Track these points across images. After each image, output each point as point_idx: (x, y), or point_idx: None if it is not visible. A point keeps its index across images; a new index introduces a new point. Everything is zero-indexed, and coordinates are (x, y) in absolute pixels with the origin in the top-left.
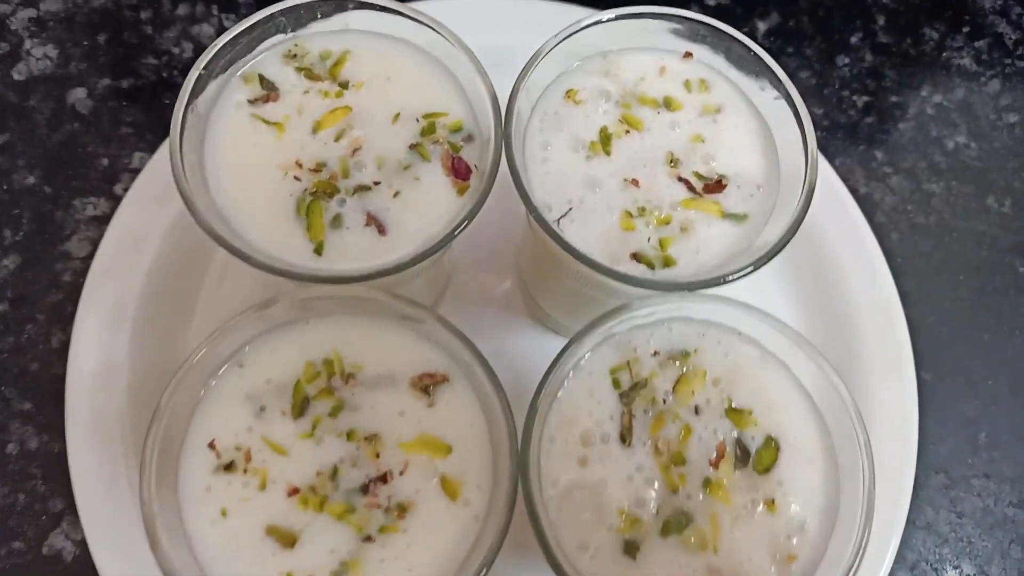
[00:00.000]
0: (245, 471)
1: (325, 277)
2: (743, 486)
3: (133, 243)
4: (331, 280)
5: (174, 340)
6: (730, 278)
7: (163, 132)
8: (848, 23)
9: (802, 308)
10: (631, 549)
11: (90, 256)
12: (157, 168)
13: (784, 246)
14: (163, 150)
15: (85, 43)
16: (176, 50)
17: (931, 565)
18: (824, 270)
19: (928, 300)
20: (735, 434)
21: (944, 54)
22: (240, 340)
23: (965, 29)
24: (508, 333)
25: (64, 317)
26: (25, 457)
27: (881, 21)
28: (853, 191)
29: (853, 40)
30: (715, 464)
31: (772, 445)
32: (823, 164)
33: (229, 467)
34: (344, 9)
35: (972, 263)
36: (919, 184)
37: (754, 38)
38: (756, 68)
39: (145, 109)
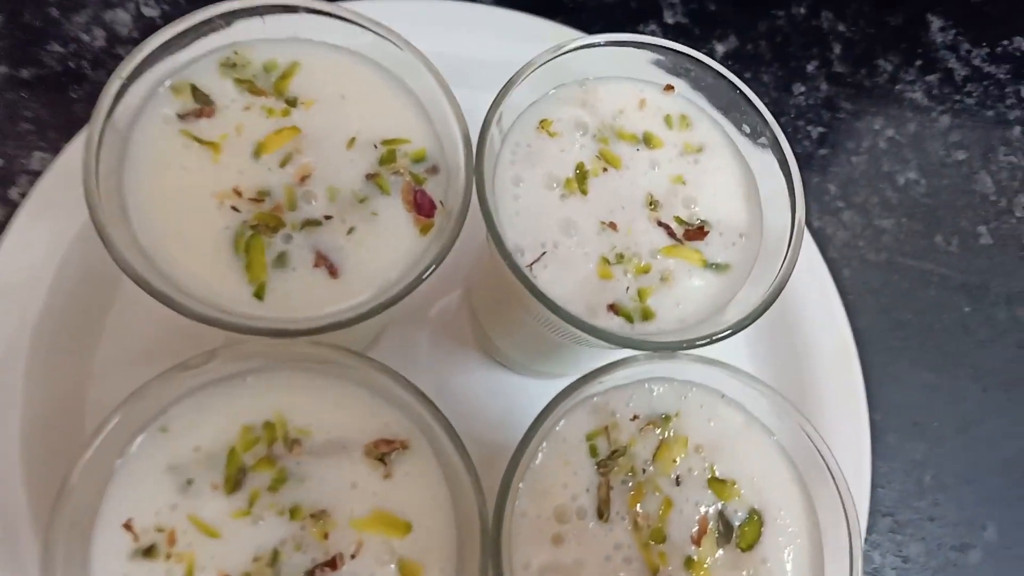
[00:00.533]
0: (168, 556)
1: (267, 329)
2: (726, 564)
3: (29, 259)
4: (274, 333)
5: (78, 380)
6: (716, 337)
7: (68, 130)
8: (805, 50)
9: (761, 348)
10: None
11: None
12: (61, 171)
13: (768, 307)
14: (68, 151)
15: None
16: (86, 37)
17: None
18: (784, 311)
19: (877, 339)
20: (718, 506)
21: (897, 87)
22: (164, 400)
23: (918, 63)
24: (456, 369)
25: None
26: None
27: (837, 50)
28: (808, 225)
29: (809, 68)
30: (697, 541)
31: (756, 519)
32: None
33: (149, 552)
34: (293, 11)
35: (920, 302)
36: (870, 220)
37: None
38: (741, 108)
39: (48, 103)
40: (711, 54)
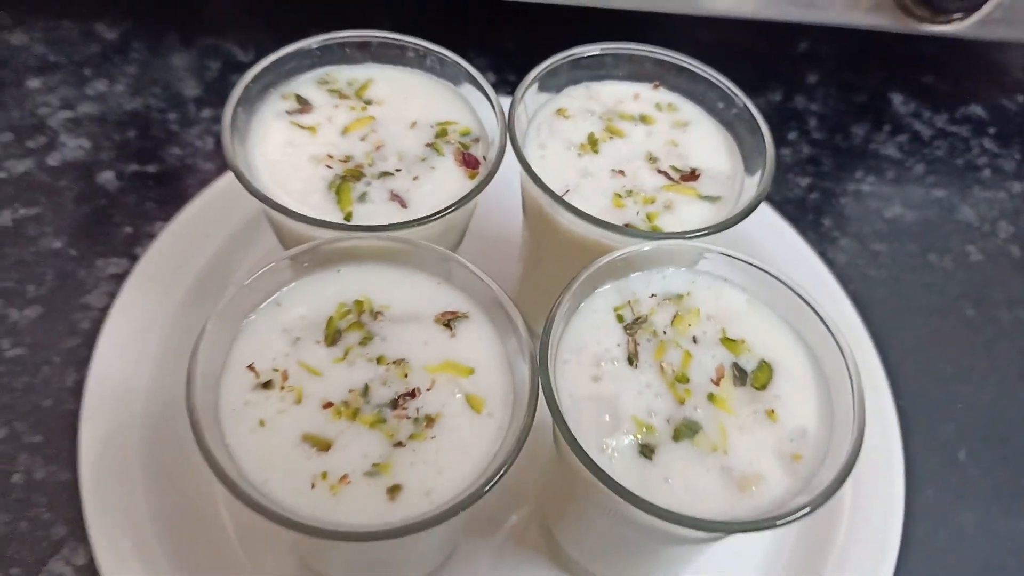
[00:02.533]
0: (282, 388)
1: (355, 226)
2: (744, 400)
3: (162, 271)
4: (360, 228)
5: None
6: (717, 227)
7: (181, 205)
8: (784, 123)
9: None
10: (647, 452)
11: (108, 306)
12: (175, 231)
13: (758, 205)
14: (191, 204)
15: (116, 137)
16: (199, 143)
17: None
18: None
19: (889, 340)
20: (732, 359)
21: (871, 146)
22: (276, 284)
23: (886, 127)
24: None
25: (80, 360)
26: (30, 487)
27: (813, 123)
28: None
29: (791, 136)
30: (716, 382)
31: (766, 366)
32: (777, 219)
33: (267, 385)
34: (367, 50)
35: (924, 309)
36: (866, 245)
37: None
38: (717, 91)
39: (169, 189)
40: None
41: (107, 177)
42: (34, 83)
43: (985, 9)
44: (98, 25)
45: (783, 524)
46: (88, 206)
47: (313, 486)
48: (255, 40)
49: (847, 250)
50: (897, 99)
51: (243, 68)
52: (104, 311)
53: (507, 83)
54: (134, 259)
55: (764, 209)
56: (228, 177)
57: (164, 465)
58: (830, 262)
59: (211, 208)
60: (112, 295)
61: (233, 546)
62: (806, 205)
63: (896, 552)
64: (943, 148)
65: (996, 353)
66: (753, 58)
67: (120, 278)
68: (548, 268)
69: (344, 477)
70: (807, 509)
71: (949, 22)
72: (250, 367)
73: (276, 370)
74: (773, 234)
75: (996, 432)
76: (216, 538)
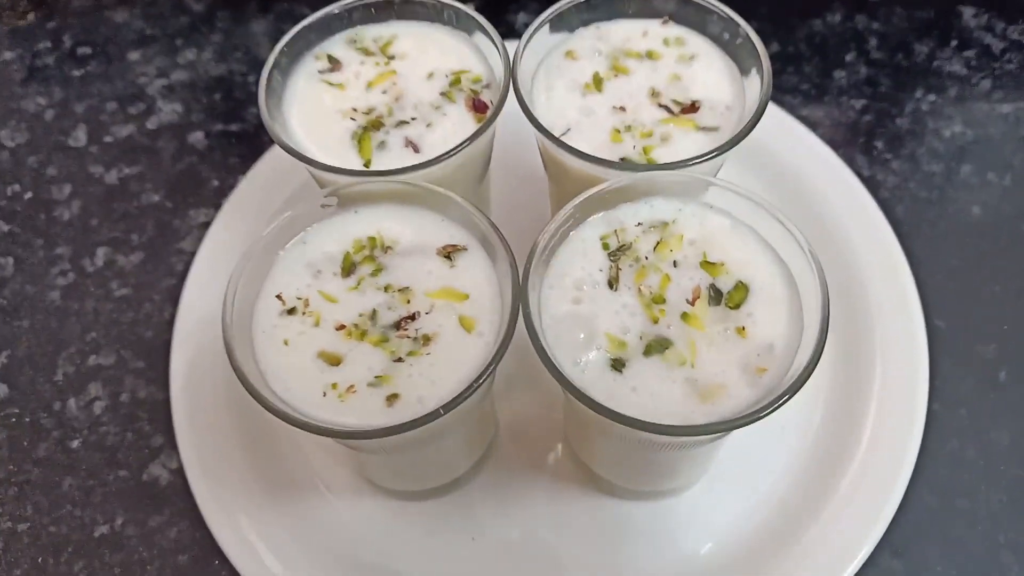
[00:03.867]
0: (304, 313)
1: (370, 171)
2: (716, 318)
3: (237, 219)
4: (373, 173)
5: None
6: (696, 162)
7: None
8: (843, 45)
9: None
10: (618, 365)
11: (197, 250)
12: (254, 177)
13: (748, 134)
14: (262, 159)
15: (204, 100)
16: None
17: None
18: (828, 226)
19: (935, 260)
20: (709, 281)
21: (935, 63)
22: (304, 223)
23: (953, 43)
24: (560, 502)
25: (175, 297)
26: (134, 404)
27: (873, 42)
28: (858, 175)
29: (848, 58)
30: (692, 302)
31: (742, 287)
32: (821, 145)
33: (291, 311)
34: (391, 9)
35: (977, 228)
36: (919, 166)
37: None
38: (724, 23)
39: (249, 145)
40: None
41: (197, 137)
42: (134, 55)
43: None
44: None
45: (729, 429)
46: (181, 163)
47: (324, 394)
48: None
49: (899, 172)
50: (968, 12)
51: None
52: (194, 255)
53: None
54: (219, 208)
55: (800, 130)
56: None
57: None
58: (879, 184)
59: (279, 159)
60: (201, 240)
61: (304, 459)
62: (859, 127)
63: (912, 464)
64: (1015, 61)
65: None
66: None
67: (207, 225)
68: (566, 201)
69: (351, 387)
70: (758, 414)
71: None
72: (278, 296)
73: (300, 298)
74: (809, 157)
75: None
76: (288, 453)
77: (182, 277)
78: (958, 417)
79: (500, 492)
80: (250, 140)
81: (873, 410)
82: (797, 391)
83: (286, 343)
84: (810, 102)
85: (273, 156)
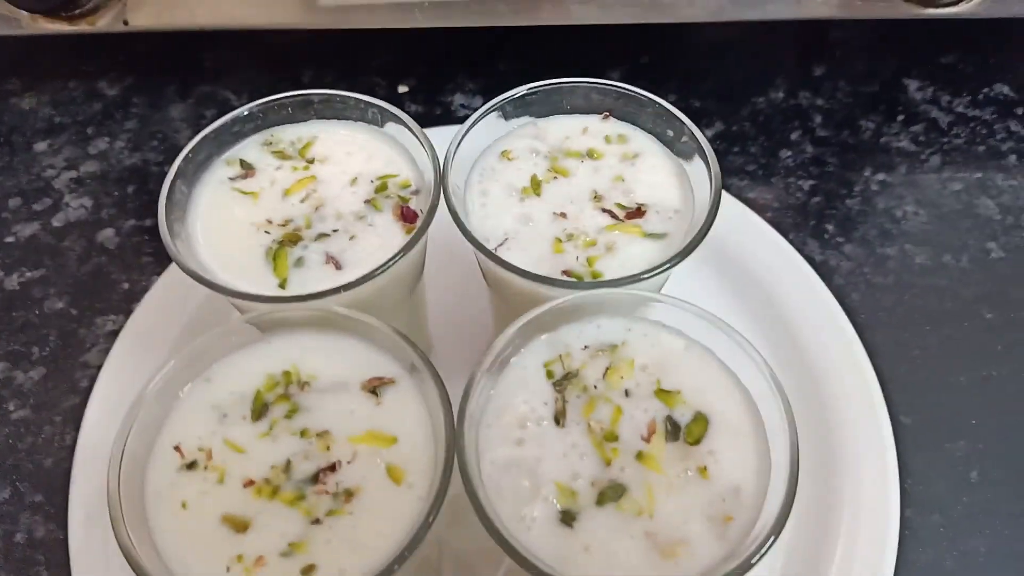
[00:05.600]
0: (206, 468)
1: (285, 298)
2: (675, 457)
3: (150, 327)
4: (289, 299)
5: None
6: (645, 276)
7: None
8: (787, 123)
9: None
10: (567, 519)
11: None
12: (169, 278)
13: (699, 243)
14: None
15: (116, 193)
16: None
17: None
18: (784, 322)
19: (896, 352)
20: (665, 412)
21: (882, 139)
22: (209, 358)
23: (900, 117)
24: None
25: (78, 419)
26: (31, 545)
27: (818, 119)
28: (808, 260)
29: (794, 136)
30: (647, 439)
31: (701, 419)
32: (772, 232)
33: (191, 466)
34: (310, 108)
35: (936, 314)
36: (872, 249)
37: None
38: (667, 120)
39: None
40: None
41: (107, 234)
42: (41, 146)
43: None
44: (101, 83)
45: None
46: (89, 265)
47: (228, 569)
48: (252, 83)
49: (852, 256)
50: (913, 85)
51: None
52: (99, 369)
53: None
54: (129, 315)
55: (750, 216)
56: None
57: None
58: (832, 271)
59: None
60: (108, 353)
61: None
62: (807, 210)
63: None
64: (963, 135)
65: (1017, 359)
66: (756, 54)
67: (116, 335)
68: (507, 316)
69: (260, 559)
70: None
71: (955, 3)
72: (176, 448)
73: (201, 449)
74: (760, 245)
75: (1013, 449)
76: None
77: (86, 395)
78: (931, 524)
79: None
80: None
81: (845, 524)
82: (770, 548)
83: (184, 506)
84: (757, 184)
85: None
